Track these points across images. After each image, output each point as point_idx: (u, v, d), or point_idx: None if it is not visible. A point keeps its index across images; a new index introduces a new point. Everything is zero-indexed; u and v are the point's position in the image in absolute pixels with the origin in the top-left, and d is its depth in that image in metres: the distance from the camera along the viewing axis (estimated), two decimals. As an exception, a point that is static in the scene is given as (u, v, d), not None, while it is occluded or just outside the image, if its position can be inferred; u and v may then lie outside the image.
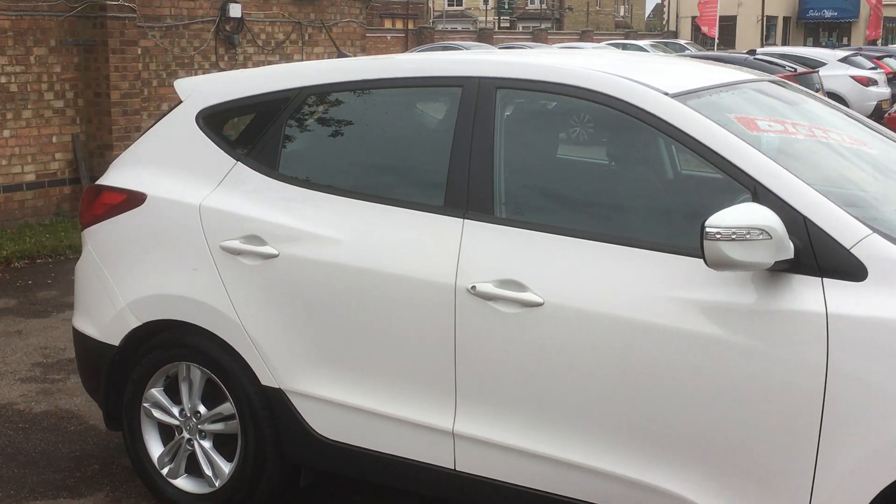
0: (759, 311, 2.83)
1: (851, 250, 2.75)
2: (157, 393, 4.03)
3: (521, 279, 3.19)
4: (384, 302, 3.45)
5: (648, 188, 3.47)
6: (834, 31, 52.87)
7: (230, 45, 11.82)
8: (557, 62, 3.48)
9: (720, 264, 2.76)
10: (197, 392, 3.93)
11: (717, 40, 42.39)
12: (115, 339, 4.05)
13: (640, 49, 38.42)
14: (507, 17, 78.18)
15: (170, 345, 3.96)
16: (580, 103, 3.33)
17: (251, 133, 3.90)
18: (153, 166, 4.07)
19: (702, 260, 2.89)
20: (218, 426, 3.91)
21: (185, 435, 3.98)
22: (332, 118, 3.83)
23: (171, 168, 4.01)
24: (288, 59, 12.61)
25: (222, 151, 3.91)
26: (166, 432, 4.07)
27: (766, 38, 51.09)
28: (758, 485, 2.88)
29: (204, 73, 11.53)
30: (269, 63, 12.38)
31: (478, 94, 3.42)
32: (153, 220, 3.96)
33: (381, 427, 3.53)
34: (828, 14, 51.32)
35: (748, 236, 2.70)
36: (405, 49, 33.71)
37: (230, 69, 11.77)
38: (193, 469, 4.01)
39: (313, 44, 13.08)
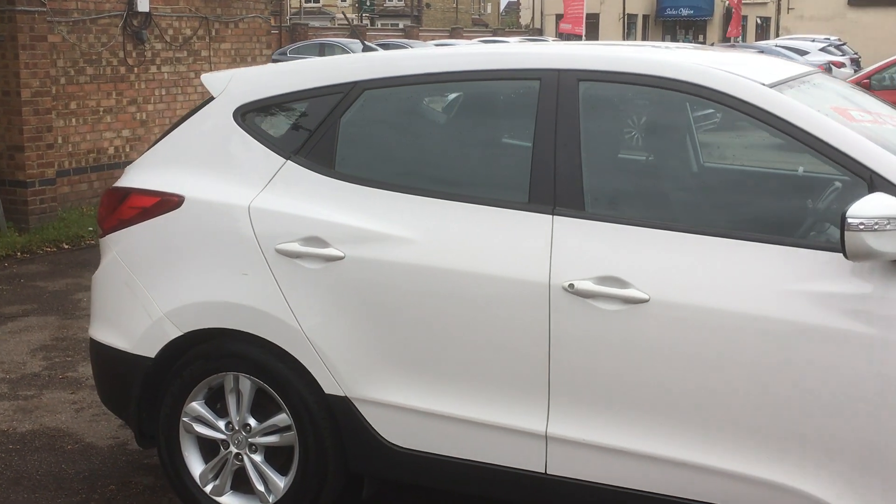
0: (888, 301, 2.84)
1: None
2: (198, 406, 3.81)
3: (623, 275, 3.13)
4: (468, 303, 3.34)
5: (750, 180, 3.46)
6: (690, 29, 54.68)
7: (138, 41, 11.35)
8: (645, 55, 3.42)
9: (860, 255, 2.76)
10: (246, 404, 3.73)
11: (583, 37, 43.26)
12: (150, 351, 3.80)
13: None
14: (369, 14, 77.77)
15: (215, 355, 3.75)
16: (675, 96, 3.29)
17: (300, 130, 3.71)
18: (187, 167, 3.84)
19: (816, 251, 2.91)
20: (271, 439, 3.72)
21: (233, 449, 3.77)
22: (393, 114, 3.69)
23: (210, 168, 3.79)
24: (196, 55, 12.22)
25: (268, 150, 3.72)
26: (208, 448, 3.86)
27: (627, 36, 52.43)
28: (886, 479, 2.89)
29: (112, 69, 11.06)
30: (178, 59, 11.96)
31: (558, 86, 3.34)
32: (193, 223, 3.74)
33: (463, 432, 3.41)
34: (684, 12, 53.03)
35: (889, 226, 2.72)
36: (279, 45, 33.11)
37: (138, 66, 11.34)
38: (240, 485, 3.81)
39: (220, 39, 12.69)
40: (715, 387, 3.04)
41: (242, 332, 3.66)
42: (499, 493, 3.46)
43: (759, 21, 53.04)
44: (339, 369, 3.52)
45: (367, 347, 3.49)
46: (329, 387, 3.55)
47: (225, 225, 3.68)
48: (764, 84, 3.16)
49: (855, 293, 2.88)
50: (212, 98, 3.93)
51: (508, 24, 67.30)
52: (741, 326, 2.99)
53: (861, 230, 2.71)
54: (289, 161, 3.67)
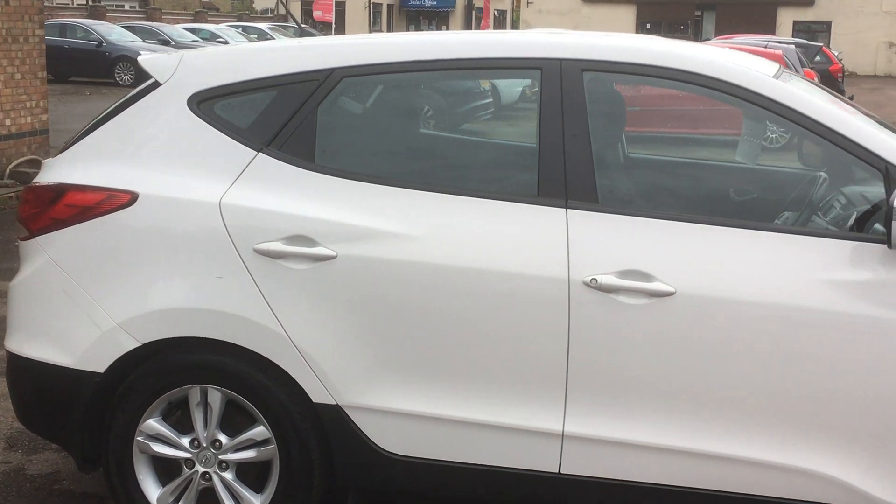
0: None
1: None
2: (156, 423, 3.46)
3: (646, 269, 3.11)
4: (478, 301, 3.21)
5: (773, 171, 3.52)
6: (434, 20, 55.81)
7: None
8: (652, 45, 3.40)
9: None
10: (216, 418, 3.42)
11: (333, 25, 43.21)
12: (99, 366, 3.41)
13: (264, 32, 38.27)
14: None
15: (179, 366, 3.41)
16: (687, 87, 3.29)
17: (271, 120, 3.42)
18: (137, 160, 3.46)
19: (842, 241, 3.02)
20: (247, 454, 3.43)
21: (200, 468, 3.46)
22: (380, 102, 3.49)
23: (165, 161, 3.44)
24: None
25: (235, 142, 3.41)
26: (165, 469, 3.51)
27: (373, 25, 52.79)
28: None
29: None
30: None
31: (561, 76, 3.27)
32: (151, 222, 3.38)
33: (469, 436, 3.29)
34: (428, 3, 54.10)
35: (925, 217, 2.85)
36: None
37: None
38: (205, 507, 3.50)
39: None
40: (742, 377, 3.08)
41: (214, 340, 3.35)
42: (506, 495, 3.36)
43: (496, 14, 54.91)
44: (329, 376, 3.30)
45: (363, 352, 3.29)
46: (318, 395, 3.32)
47: (191, 223, 3.35)
48: (771, 76, 3.23)
49: (881, 280, 3.00)
50: (155, 83, 3.56)
51: (244, 10, 65.82)
52: (768, 317, 3.04)
53: (910, 220, 2.83)
54: (260, 153, 3.39)
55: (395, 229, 3.25)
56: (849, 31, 42.36)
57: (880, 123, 3.46)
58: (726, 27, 39.42)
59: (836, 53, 24.95)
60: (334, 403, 3.32)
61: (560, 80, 3.27)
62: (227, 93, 3.50)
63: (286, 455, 3.39)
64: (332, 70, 3.42)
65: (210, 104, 3.48)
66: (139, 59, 3.70)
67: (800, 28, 42.37)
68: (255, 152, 3.39)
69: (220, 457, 3.44)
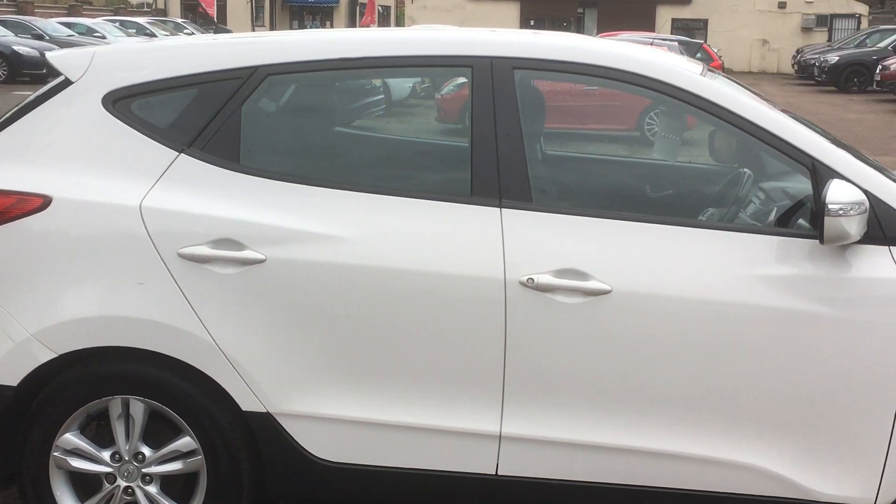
0: (841, 281, 3.04)
1: None
2: (74, 437, 3.31)
3: (582, 267, 3.10)
4: (413, 303, 3.15)
5: (704, 169, 3.54)
6: (318, 15, 55.31)
7: None
8: (583, 43, 3.39)
9: (836, 238, 2.93)
10: (139, 430, 3.29)
11: (216, 19, 42.43)
12: (11, 379, 3.24)
13: (142, 27, 37.34)
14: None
15: (98, 377, 3.26)
16: (619, 85, 3.29)
17: (192, 119, 3.29)
18: (48, 162, 3.29)
19: (769, 237, 3.07)
20: (172, 466, 3.31)
21: (121, 483, 3.32)
22: (307, 101, 3.39)
23: (80, 164, 3.28)
24: None
25: (154, 142, 3.28)
26: (82, 484, 3.36)
27: (256, 20, 52.02)
28: (838, 447, 3.10)
29: None
30: None
31: (492, 74, 3.24)
32: (66, 227, 3.22)
33: (405, 440, 3.23)
34: (311, -2, 53.62)
35: (853, 211, 2.91)
36: None
37: None
38: (126, 522, 3.36)
39: None
40: (677, 374, 3.11)
41: (136, 349, 3.22)
42: (444, 499, 3.32)
43: (380, 10, 54.73)
44: (259, 383, 3.20)
45: (295, 357, 3.20)
46: (247, 403, 3.22)
47: (110, 228, 3.21)
48: (699, 74, 3.26)
49: (808, 275, 3.06)
50: (66, 81, 3.40)
51: (119, 3, 64.00)
52: (700, 313, 3.07)
53: (840, 215, 2.89)
54: (182, 154, 3.26)
55: (327, 231, 3.17)
56: (724, 28, 43.60)
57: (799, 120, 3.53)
58: (608, 24, 40.11)
59: (716, 50, 25.63)
60: (265, 411, 3.23)
61: (491, 78, 3.24)
62: (145, 91, 3.36)
63: (214, 466, 3.28)
64: (257, 68, 3.32)
65: (126, 103, 3.34)
66: (48, 55, 3.52)
67: (678, 25, 43.42)
68: (177, 153, 3.26)
69: (143, 470, 3.31)
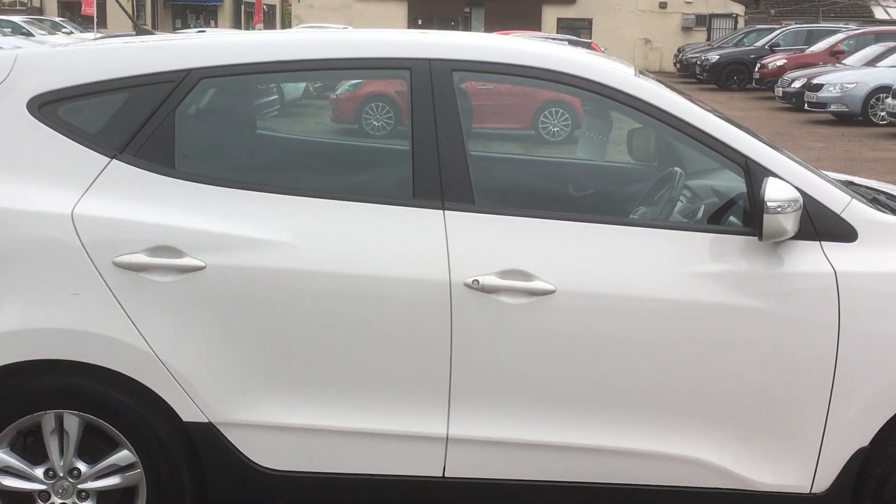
0: (775, 276, 3.13)
1: (841, 215, 3.17)
2: (5, 455, 3.19)
3: (526, 268, 3.13)
4: (357, 308, 3.13)
5: (634, 168, 3.58)
6: (201, 14, 54.32)
7: None
8: (519, 46, 3.41)
9: (774, 235, 3.01)
10: (74, 445, 3.19)
11: (95, 19, 41.26)
12: (-65, 398, 3.11)
13: (18, 26, 36.07)
14: None
15: (30, 392, 3.15)
16: (556, 87, 3.32)
17: (123, 124, 3.20)
18: (-31, 169, 3.16)
19: (700, 234, 3.15)
20: (109, 481, 3.22)
21: (56, 500, 3.21)
22: (243, 105, 3.33)
23: (4, 171, 3.16)
24: None
25: (84, 148, 3.18)
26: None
27: (138, 18, 50.81)
28: (775, 438, 3.19)
29: None
30: None
31: (431, 76, 3.24)
32: (-8, 237, 3.10)
33: (350, 446, 3.21)
34: (194, -4, 52.67)
35: (789, 208, 3.00)
36: None
37: None
38: (61, 541, 3.25)
39: None
40: (620, 371, 3.16)
41: (69, 361, 3.12)
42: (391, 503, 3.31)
43: (265, 9, 54.10)
44: (200, 393, 3.14)
45: (237, 365, 3.15)
46: (188, 414, 3.15)
47: (40, 237, 3.10)
48: (634, 76, 3.32)
49: (743, 271, 3.14)
50: (-14, 86, 3.27)
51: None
52: (639, 310, 3.13)
53: (778, 213, 2.97)
54: (114, 160, 3.17)
55: (269, 237, 3.12)
56: (608, 28, 44.45)
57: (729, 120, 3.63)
58: (495, 24, 40.47)
59: (603, 49, 26.12)
60: (206, 421, 3.16)
61: (430, 80, 3.24)
62: (72, 95, 3.25)
63: (154, 479, 3.21)
64: (190, 70, 3.24)
65: (52, 108, 3.23)
66: (-36, 58, 3.37)
67: (563, 25, 44.12)
68: (109, 159, 3.17)
69: (79, 486, 3.22)
